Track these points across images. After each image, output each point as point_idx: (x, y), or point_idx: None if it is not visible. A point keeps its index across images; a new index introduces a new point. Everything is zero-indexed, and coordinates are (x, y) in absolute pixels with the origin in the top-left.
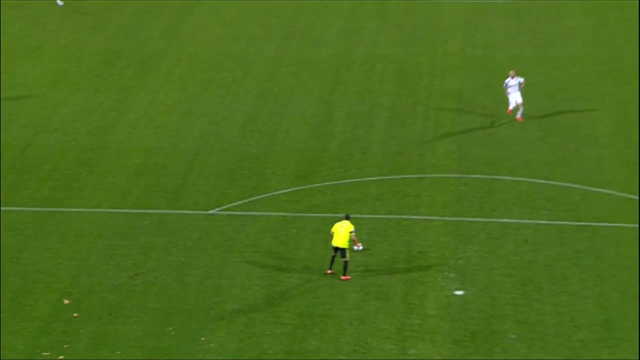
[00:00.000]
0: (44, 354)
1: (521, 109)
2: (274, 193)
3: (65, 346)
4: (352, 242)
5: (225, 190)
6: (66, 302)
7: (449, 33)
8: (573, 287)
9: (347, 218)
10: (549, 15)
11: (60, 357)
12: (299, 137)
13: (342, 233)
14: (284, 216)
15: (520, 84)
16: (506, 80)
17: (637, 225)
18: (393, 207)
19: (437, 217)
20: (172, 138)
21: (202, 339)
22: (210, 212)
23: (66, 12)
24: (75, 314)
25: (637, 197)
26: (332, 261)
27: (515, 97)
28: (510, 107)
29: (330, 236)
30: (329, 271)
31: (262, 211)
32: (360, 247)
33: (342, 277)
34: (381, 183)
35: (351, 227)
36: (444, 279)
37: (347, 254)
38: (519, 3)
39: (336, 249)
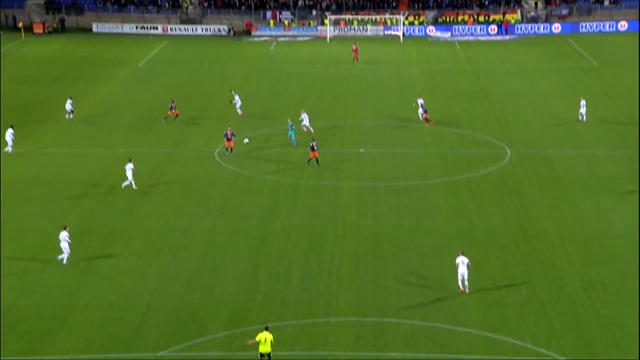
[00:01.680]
0: None
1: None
2: (211, 336)
3: None
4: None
5: (172, 335)
6: None
7: (346, 209)
8: None
9: (266, 329)
10: (420, 194)
11: None
12: (230, 291)
13: (266, 342)
14: (220, 356)
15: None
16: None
17: None
18: (306, 344)
19: (340, 353)
20: (129, 295)
21: None
22: (160, 354)
23: (46, 196)
24: None
25: None
26: None
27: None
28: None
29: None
30: None
31: (202, 352)
32: None
33: None
34: (296, 327)
35: (271, 337)
36: None
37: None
38: (398, 186)
39: (262, 354)
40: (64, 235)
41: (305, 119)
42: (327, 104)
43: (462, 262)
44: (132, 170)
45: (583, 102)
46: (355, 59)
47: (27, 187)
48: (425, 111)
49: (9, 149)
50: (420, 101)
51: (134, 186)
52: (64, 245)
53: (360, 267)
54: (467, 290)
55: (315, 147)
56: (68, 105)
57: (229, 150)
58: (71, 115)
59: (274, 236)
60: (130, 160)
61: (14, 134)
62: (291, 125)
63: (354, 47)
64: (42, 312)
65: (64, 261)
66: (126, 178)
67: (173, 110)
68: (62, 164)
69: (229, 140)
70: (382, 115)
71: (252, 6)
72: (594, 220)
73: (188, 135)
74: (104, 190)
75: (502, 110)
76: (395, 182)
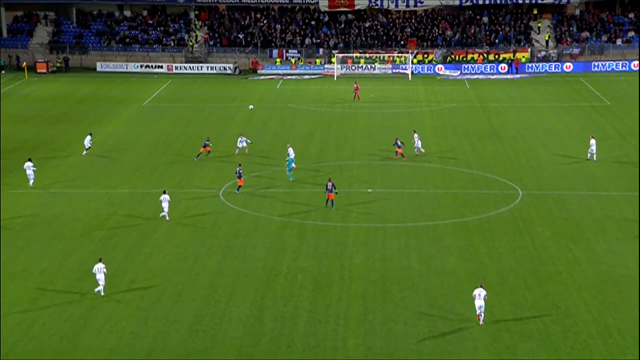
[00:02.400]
0: None
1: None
2: None
3: None
4: None
5: None
6: None
7: (353, 250)
8: None
9: None
10: (429, 235)
11: None
12: (235, 335)
13: None
14: None
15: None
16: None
17: None
18: None
19: None
20: (131, 339)
21: None
22: None
23: (47, 238)
24: None
25: None
26: None
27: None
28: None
29: None
30: None
31: None
32: None
33: None
34: None
35: None
36: None
37: None
38: (407, 226)
39: None
40: (100, 267)
41: (291, 154)
42: (334, 143)
43: (479, 294)
44: (168, 202)
45: (593, 142)
46: (357, 98)
47: (28, 227)
48: (399, 146)
49: (31, 182)
50: (415, 136)
51: (167, 217)
52: (100, 277)
53: (369, 310)
54: (481, 322)
55: (332, 189)
56: (87, 142)
57: (238, 188)
58: (86, 152)
59: (279, 278)
60: (164, 192)
61: (33, 166)
62: (291, 159)
63: (355, 85)
64: (41, 358)
65: (101, 293)
66: (162, 209)
67: (207, 148)
68: (64, 204)
69: (239, 178)
70: (391, 155)
71: (259, 44)
72: (608, 264)
73: (192, 175)
74: (105, 232)
75: (514, 149)
76: (404, 222)
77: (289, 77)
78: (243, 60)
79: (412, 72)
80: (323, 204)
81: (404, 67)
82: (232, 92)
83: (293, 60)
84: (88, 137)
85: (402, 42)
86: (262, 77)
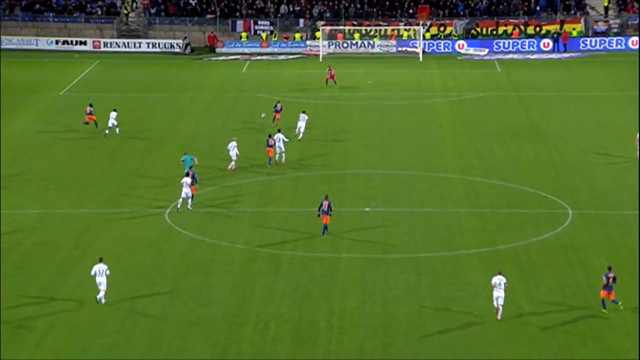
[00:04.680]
0: None
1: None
2: None
3: None
4: None
5: None
6: None
7: (346, 289)
8: None
9: None
10: (448, 269)
11: None
12: None
13: None
14: None
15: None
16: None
17: None
18: None
19: None
20: None
21: None
22: None
23: None
24: None
25: None
26: None
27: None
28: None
29: None
30: None
31: None
32: None
33: None
34: None
35: None
36: None
37: None
38: (418, 257)
39: None
40: (101, 268)
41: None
42: (320, 147)
43: (498, 283)
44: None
45: None
46: (332, 81)
47: None
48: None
49: None
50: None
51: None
52: (101, 280)
53: None
54: (499, 317)
55: (328, 210)
56: (112, 120)
57: (190, 198)
58: (116, 130)
59: (246, 328)
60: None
61: None
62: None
63: (329, 70)
64: None
65: (102, 300)
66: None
67: (91, 117)
68: None
69: (191, 185)
70: (395, 162)
71: (218, 13)
72: None
73: (129, 188)
74: (7, 269)
75: (560, 153)
76: (413, 252)
77: (259, 57)
78: (196, 35)
79: (423, 51)
80: (305, 228)
81: (413, 43)
82: (181, 77)
83: (264, 35)
84: (113, 114)
85: (410, 11)
86: (223, 57)
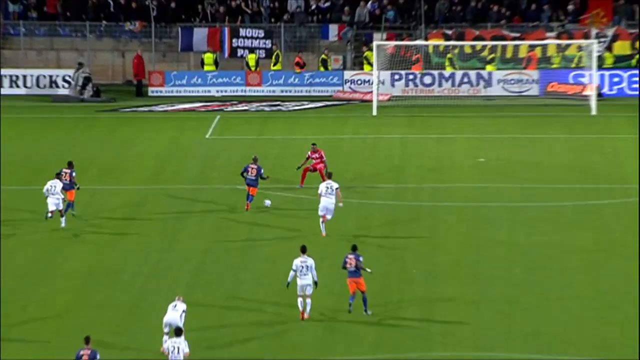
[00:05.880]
0: None
1: None
2: None
3: None
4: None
5: None
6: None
7: None
8: None
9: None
10: None
11: None
12: None
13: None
14: None
15: None
16: None
17: None
18: None
19: None
20: None
21: None
22: None
23: None
24: None
25: None
26: None
27: None
28: None
29: None
30: None
31: None
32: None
33: None
34: None
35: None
36: None
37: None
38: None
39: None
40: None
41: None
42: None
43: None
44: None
45: None
46: (314, 170)
47: None
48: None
49: None
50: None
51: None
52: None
53: None
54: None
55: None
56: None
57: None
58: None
59: None
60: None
61: None
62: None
63: (314, 151)
64: None
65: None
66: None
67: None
68: None
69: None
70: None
71: (153, 13)
72: None
73: None
74: None
75: None
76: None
77: (240, 107)
78: (105, 59)
79: (600, 94)
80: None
81: (578, 77)
82: (70, 155)
83: (252, 59)
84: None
85: (568, 7)
86: (162, 106)
